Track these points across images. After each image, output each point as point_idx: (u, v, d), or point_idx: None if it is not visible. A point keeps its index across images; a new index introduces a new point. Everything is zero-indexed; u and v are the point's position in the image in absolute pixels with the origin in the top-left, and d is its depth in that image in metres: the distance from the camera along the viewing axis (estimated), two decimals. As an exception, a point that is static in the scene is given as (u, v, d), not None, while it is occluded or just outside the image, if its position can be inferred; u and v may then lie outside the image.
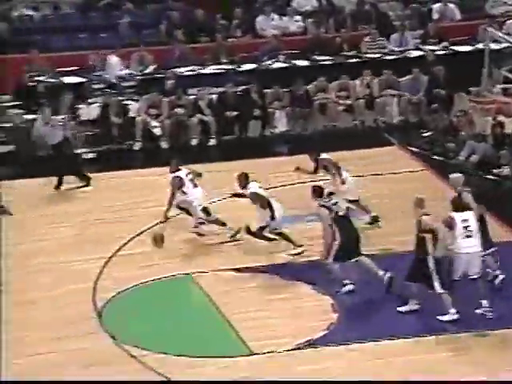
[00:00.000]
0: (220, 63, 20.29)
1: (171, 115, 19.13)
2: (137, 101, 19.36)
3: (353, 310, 12.54)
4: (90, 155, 18.42)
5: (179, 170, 14.56)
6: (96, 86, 19.48)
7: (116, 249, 14.22)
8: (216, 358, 11.43)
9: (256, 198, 13.89)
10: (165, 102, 19.20)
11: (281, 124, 19.74)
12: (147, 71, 19.99)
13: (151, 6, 21.65)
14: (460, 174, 13.31)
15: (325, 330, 12.02)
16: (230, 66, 20.19)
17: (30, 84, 19.14)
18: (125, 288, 13.07)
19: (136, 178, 16.94)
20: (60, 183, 16.51)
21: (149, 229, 14.67)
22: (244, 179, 14.13)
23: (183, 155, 17.72)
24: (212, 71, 20.08)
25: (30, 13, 21.12)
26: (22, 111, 18.21)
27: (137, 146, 18.96)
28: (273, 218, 13.80)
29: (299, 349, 11.62)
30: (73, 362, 11.38)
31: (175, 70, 19.89)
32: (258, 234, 13.94)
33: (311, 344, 11.71)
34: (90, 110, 19.05)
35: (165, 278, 13.41)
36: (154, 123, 19.05)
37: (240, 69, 20.18)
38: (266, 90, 19.75)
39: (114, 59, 19.81)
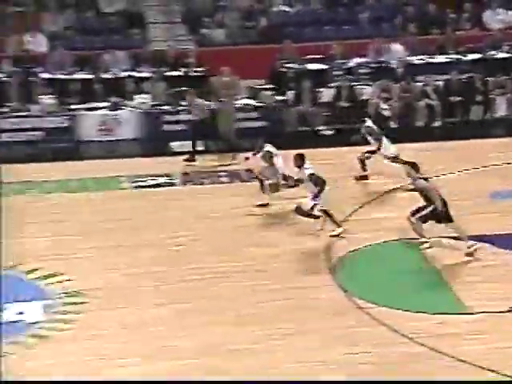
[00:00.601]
0: (447, 53, 19.95)
1: (401, 99, 19.09)
2: (370, 86, 19.43)
3: None
4: (328, 132, 18.77)
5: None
6: (336, 73, 19.69)
7: (350, 212, 14.32)
8: (434, 314, 11.32)
9: (315, 179, 13.22)
10: (395, 87, 19.20)
11: (501, 109, 19.23)
12: (381, 59, 19.97)
13: (389, 1, 21.53)
14: None
15: (536, 296, 11.61)
16: (457, 56, 19.82)
17: (281, 70, 19.67)
18: (356, 248, 13.17)
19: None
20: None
21: (380, 196, 14.75)
22: (300, 159, 13.38)
23: (410, 134, 17.71)
24: (439, 60, 19.79)
25: (286, 9, 21.60)
26: (273, 93, 18.71)
27: (369, 125, 19.00)
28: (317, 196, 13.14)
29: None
30: (310, 310, 11.55)
31: (406, 58, 19.75)
32: (309, 211, 13.27)
33: (523, 308, 11.35)
34: (327, 93, 19.30)
35: (391, 241, 13.36)
36: (384, 106, 19.07)
37: (465, 58, 19.75)
38: (488, 78, 19.25)
39: (397, 47, 19.91)
